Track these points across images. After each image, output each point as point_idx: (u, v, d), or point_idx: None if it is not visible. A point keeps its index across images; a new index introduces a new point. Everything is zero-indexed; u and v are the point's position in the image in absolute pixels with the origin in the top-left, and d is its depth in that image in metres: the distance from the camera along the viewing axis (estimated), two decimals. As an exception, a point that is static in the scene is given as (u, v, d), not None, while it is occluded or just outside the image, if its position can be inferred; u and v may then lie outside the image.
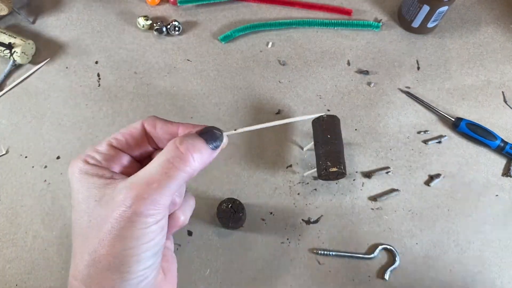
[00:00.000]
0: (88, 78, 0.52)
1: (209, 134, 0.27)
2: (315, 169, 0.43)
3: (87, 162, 0.26)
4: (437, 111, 0.50)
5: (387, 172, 0.47)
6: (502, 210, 0.45)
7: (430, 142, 0.49)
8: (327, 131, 0.43)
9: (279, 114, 0.50)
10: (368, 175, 0.47)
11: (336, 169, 0.41)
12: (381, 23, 0.56)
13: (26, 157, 0.47)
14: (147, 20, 0.54)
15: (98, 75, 0.52)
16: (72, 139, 0.48)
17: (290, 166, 0.47)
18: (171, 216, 0.28)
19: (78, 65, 0.52)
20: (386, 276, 0.42)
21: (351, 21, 0.56)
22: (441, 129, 0.50)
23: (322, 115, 0.44)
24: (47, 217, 0.44)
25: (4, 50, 0.50)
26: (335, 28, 0.56)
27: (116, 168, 0.27)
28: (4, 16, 0.55)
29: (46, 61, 0.53)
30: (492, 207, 0.46)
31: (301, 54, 0.54)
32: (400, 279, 0.42)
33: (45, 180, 0.46)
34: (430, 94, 0.52)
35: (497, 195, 0.46)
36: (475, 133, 0.48)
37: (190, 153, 0.25)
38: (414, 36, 0.56)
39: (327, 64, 0.54)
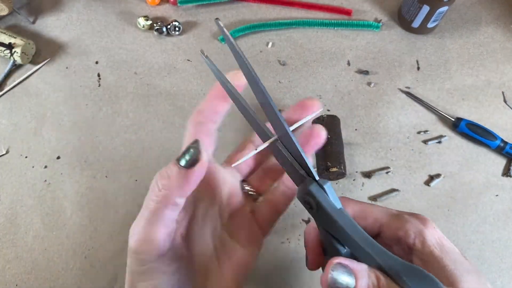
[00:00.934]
0: (88, 78, 0.52)
1: (182, 152, 0.23)
2: (315, 169, 0.43)
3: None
4: (437, 111, 0.50)
5: (387, 172, 0.47)
6: (502, 210, 0.45)
7: (430, 142, 0.49)
8: (327, 131, 0.43)
9: (279, 114, 0.50)
10: (368, 175, 0.46)
11: (336, 169, 0.41)
12: (381, 23, 0.56)
13: (26, 157, 0.47)
14: (147, 20, 0.54)
15: (98, 75, 0.52)
16: (72, 139, 0.48)
17: (290, 166, 0.47)
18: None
19: (78, 65, 0.53)
20: (386, 276, 0.42)
21: (351, 21, 0.56)
22: (441, 129, 0.50)
23: (322, 115, 0.44)
24: (47, 217, 0.44)
25: (4, 50, 0.50)
26: (335, 28, 0.56)
27: None
28: (4, 16, 0.55)
29: (46, 61, 0.53)
30: (492, 207, 0.45)
31: (301, 54, 0.54)
32: (400, 279, 0.42)
33: (45, 180, 0.46)
34: (430, 94, 0.52)
35: (497, 195, 0.46)
36: (475, 133, 0.47)
37: (156, 182, 0.24)
38: (414, 36, 0.56)
39: (327, 64, 0.54)
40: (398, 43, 0.55)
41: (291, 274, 0.42)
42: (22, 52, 0.50)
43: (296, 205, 0.45)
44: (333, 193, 0.23)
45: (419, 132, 0.49)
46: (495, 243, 0.44)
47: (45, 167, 0.46)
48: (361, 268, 0.22)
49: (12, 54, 0.50)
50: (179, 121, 0.49)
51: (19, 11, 0.55)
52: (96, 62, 0.53)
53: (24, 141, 0.48)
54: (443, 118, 0.50)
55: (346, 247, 0.24)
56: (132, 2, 0.57)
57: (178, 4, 0.56)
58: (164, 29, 0.54)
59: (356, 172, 0.47)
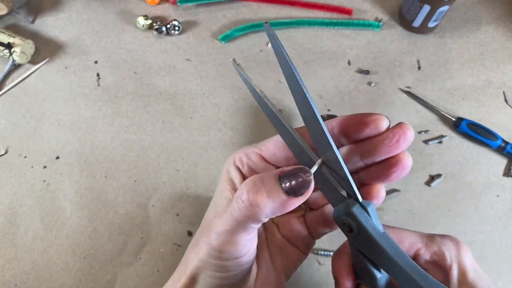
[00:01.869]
0: (88, 78, 0.52)
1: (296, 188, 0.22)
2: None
3: (234, 163, 0.27)
4: (437, 111, 0.50)
5: (387, 172, 0.47)
6: (503, 210, 0.45)
7: (430, 142, 0.48)
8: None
9: (279, 114, 0.50)
10: (368, 175, 0.46)
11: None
12: (381, 23, 0.55)
13: (25, 157, 0.47)
14: (146, 19, 0.54)
15: (98, 75, 0.52)
16: (72, 139, 0.48)
17: (290, 166, 0.47)
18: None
19: (77, 65, 0.52)
20: (387, 277, 0.42)
21: (351, 20, 0.55)
22: (441, 129, 0.49)
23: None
24: (47, 217, 0.44)
25: (3, 50, 0.50)
26: (336, 27, 0.56)
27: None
28: (3, 16, 0.55)
29: (45, 61, 0.52)
30: (493, 207, 0.45)
31: (301, 54, 0.54)
32: (400, 279, 0.42)
33: (45, 180, 0.45)
34: (430, 94, 0.52)
35: (498, 195, 0.46)
36: (476, 133, 0.47)
37: (247, 194, 0.22)
38: (414, 35, 0.56)
39: (327, 64, 0.53)
40: (398, 42, 0.55)
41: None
42: (21, 52, 0.50)
43: (296, 205, 0.45)
44: (376, 215, 0.22)
45: (419, 132, 0.49)
46: (496, 244, 0.44)
47: (44, 167, 0.46)
48: None
49: (11, 54, 0.50)
50: (178, 121, 0.49)
51: (18, 10, 0.55)
52: (96, 62, 0.53)
53: (23, 141, 0.48)
54: (444, 118, 0.50)
55: (382, 272, 0.23)
56: (131, 2, 0.57)
57: (178, 4, 0.56)
58: (164, 28, 0.53)
59: (357, 172, 0.47)
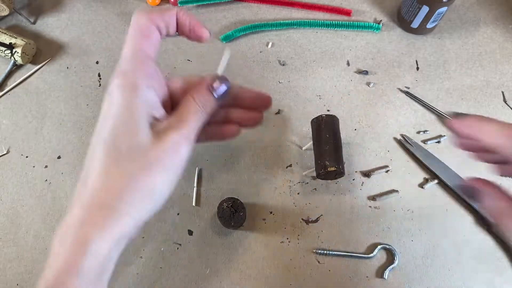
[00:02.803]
0: (89, 78, 0.52)
1: (222, 96, 0.33)
2: (314, 169, 0.43)
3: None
4: (436, 111, 0.50)
5: (386, 171, 0.47)
6: (500, 209, 0.46)
7: (429, 142, 0.49)
8: (325, 131, 0.43)
9: (279, 114, 0.50)
10: (367, 174, 0.47)
11: (335, 169, 0.41)
12: (381, 25, 0.56)
13: (27, 157, 0.47)
14: (147, 20, 0.54)
15: (99, 75, 0.52)
16: (73, 139, 0.48)
17: (290, 166, 0.47)
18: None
19: (78, 65, 0.53)
20: (385, 276, 0.42)
21: (351, 22, 0.56)
22: (440, 129, 0.50)
23: (321, 115, 0.44)
24: (48, 216, 0.44)
25: (5, 50, 0.50)
26: (336, 29, 0.56)
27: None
28: (5, 17, 0.55)
29: (46, 61, 0.53)
30: (491, 206, 0.46)
31: (301, 55, 0.54)
32: (399, 278, 0.42)
33: (46, 180, 0.46)
34: (429, 94, 0.52)
35: (496, 195, 0.46)
36: (474, 133, 0.48)
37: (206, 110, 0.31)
38: (413, 36, 0.56)
39: (326, 65, 0.54)
40: (397, 43, 0.55)
41: (291, 273, 0.42)
42: (23, 52, 0.51)
43: (296, 205, 0.45)
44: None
45: (418, 132, 0.49)
46: (493, 243, 0.44)
47: (46, 166, 0.47)
48: None
49: (12, 54, 0.50)
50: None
51: (20, 11, 0.55)
52: (97, 62, 0.53)
53: (24, 141, 0.48)
54: (442, 118, 0.50)
55: None
56: (132, 3, 0.58)
57: (178, 5, 0.56)
58: (164, 29, 0.54)
59: (356, 171, 0.47)
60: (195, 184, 0.46)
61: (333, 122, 0.44)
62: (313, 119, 0.45)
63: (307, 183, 0.46)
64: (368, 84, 0.52)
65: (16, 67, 0.52)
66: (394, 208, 0.45)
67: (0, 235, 0.43)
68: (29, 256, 0.42)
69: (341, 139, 0.44)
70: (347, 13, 0.57)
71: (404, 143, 0.48)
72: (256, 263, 0.43)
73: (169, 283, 0.42)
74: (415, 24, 0.54)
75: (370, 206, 0.45)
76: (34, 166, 0.46)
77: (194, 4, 0.57)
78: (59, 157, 0.47)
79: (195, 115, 0.30)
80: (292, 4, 0.58)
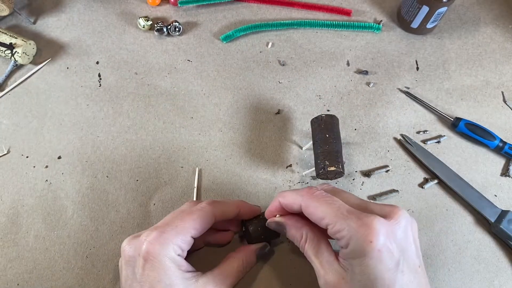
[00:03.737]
0: (89, 79, 0.52)
1: (262, 254, 0.41)
2: (314, 169, 0.44)
3: (175, 253, 0.34)
4: (436, 111, 0.50)
5: (386, 171, 0.47)
6: (500, 209, 0.46)
7: (429, 142, 0.49)
8: (325, 131, 0.43)
9: (278, 114, 0.50)
10: (367, 174, 0.47)
11: (334, 168, 0.41)
12: (381, 25, 0.56)
13: (27, 157, 0.47)
14: (147, 20, 0.54)
15: (99, 75, 0.52)
16: (73, 139, 0.48)
17: (290, 165, 0.47)
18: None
19: (79, 65, 0.53)
20: (385, 275, 0.42)
21: (352, 22, 0.56)
22: (440, 129, 0.50)
23: (321, 115, 0.44)
24: (49, 216, 0.44)
25: (5, 51, 0.50)
26: (336, 29, 0.56)
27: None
28: (5, 17, 0.55)
29: (47, 61, 0.53)
30: (490, 206, 0.46)
31: (300, 55, 0.54)
32: (399, 278, 0.42)
33: (47, 180, 0.46)
34: (429, 94, 0.52)
35: (496, 195, 0.46)
36: (474, 133, 0.48)
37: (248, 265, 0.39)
38: (413, 36, 0.56)
39: (326, 65, 0.54)
40: (397, 43, 0.56)
41: (291, 274, 0.42)
42: (23, 53, 0.51)
43: (296, 205, 0.45)
44: None
45: (418, 132, 0.50)
46: (493, 243, 0.44)
47: (46, 167, 0.47)
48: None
49: (13, 55, 0.50)
50: (179, 121, 0.49)
51: (20, 11, 0.55)
52: (97, 62, 0.53)
53: (25, 141, 0.48)
54: (442, 118, 0.50)
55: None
56: (132, 3, 0.58)
57: (179, 5, 0.56)
58: (165, 29, 0.54)
59: (356, 171, 0.47)
60: (195, 184, 0.46)
61: (333, 122, 0.44)
62: (313, 119, 0.45)
63: (307, 183, 0.46)
64: (368, 84, 0.52)
65: (16, 67, 0.52)
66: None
67: (0, 235, 0.43)
68: (30, 256, 0.42)
69: (341, 139, 0.44)
70: (347, 13, 0.57)
71: (404, 143, 0.48)
72: (257, 264, 0.43)
73: (169, 283, 0.42)
74: (415, 24, 0.54)
75: (370, 206, 0.45)
76: (34, 166, 0.47)
77: (194, 4, 0.57)
78: (59, 157, 0.47)
79: (238, 273, 0.38)
80: (292, 4, 0.58)
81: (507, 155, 0.48)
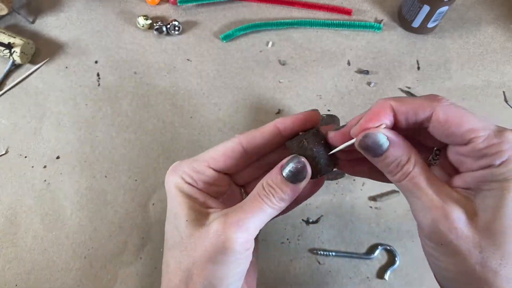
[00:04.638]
0: (88, 78, 0.52)
1: (293, 175, 0.27)
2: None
3: (184, 180, 0.29)
4: (437, 111, 0.50)
5: (387, 172, 0.47)
6: (502, 210, 0.45)
7: (430, 142, 0.49)
8: (325, 131, 0.43)
9: (279, 114, 0.50)
10: (368, 175, 0.46)
11: (334, 169, 0.41)
12: (382, 25, 0.56)
13: (25, 157, 0.47)
14: (147, 19, 0.54)
15: (98, 75, 0.52)
16: (72, 139, 0.48)
17: (290, 166, 0.47)
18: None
19: (77, 65, 0.52)
20: (386, 276, 0.42)
21: (352, 22, 0.56)
22: (441, 129, 0.50)
23: (321, 115, 0.44)
24: (47, 217, 0.44)
25: (3, 50, 0.50)
26: (336, 28, 0.56)
27: (208, 188, 0.30)
28: (3, 16, 0.55)
29: (45, 61, 0.53)
30: (492, 207, 0.45)
31: (301, 54, 0.54)
32: (399, 279, 0.42)
33: (45, 180, 0.46)
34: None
35: (497, 195, 0.46)
36: (475, 133, 0.47)
37: (275, 196, 0.27)
38: (414, 36, 0.56)
39: (327, 64, 0.54)
40: (398, 43, 0.55)
41: (291, 274, 0.42)
42: (22, 52, 0.50)
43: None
44: None
45: (419, 132, 0.49)
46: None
47: (45, 167, 0.46)
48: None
49: (11, 54, 0.50)
50: (178, 120, 0.49)
51: (19, 10, 0.55)
52: (96, 62, 0.53)
53: (23, 141, 0.48)
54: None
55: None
56: (131, 2, 0.57)
57: (178, 4, 0.56)
58: (164, 28, 0.53)
59: (356, 172, 0.47)
60: (194, 185, 0.45)
61: (334, 122, 0.44)
62: (314, 119, 0.45)
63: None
64: (368, 83, 0.52)
65: (15, 67, 0.52)
66: (395, 209, 0.45)
67: (-2, 235, 0.43)
68: (28, 256, 0.42)
69: (342, 139, 0.44)
70: (348, 12, 0.57)
71: None
72: (256, 264, 0.42)
73: (168, 284, 0.42)
74: (416, 23, 0.53)
75: (370, 207, 0.45)
76: (33, 166, 0.46)
77: (194, 3, 0.57)
78: (58, 157, 0.47)
79: (259, 206, 0.28)
80: (293, 4, 0.57)
81: (508, 155, 0.47)
